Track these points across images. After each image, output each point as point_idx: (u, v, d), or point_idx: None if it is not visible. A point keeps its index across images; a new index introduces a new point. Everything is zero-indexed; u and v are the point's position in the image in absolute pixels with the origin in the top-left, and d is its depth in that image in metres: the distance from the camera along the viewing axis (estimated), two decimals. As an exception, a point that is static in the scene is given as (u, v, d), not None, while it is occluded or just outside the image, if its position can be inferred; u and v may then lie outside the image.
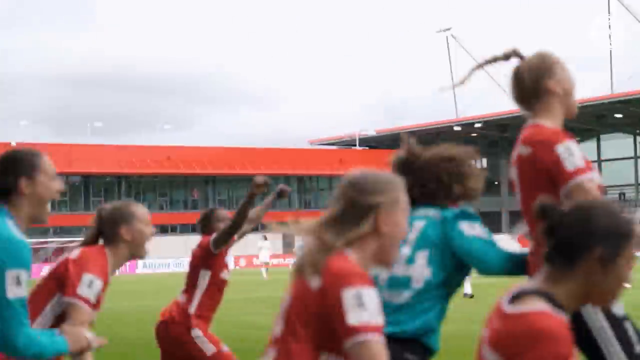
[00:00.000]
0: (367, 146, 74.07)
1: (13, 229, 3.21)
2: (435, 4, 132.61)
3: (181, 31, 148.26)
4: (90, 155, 61.73)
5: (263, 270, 36.89)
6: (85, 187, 63.83)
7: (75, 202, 64.57)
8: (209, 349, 5.87)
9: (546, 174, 3.24)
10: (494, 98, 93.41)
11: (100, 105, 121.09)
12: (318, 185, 72.37)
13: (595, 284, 2.14)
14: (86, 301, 3.93)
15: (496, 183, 71.11)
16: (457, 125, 67.24)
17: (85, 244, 4.16)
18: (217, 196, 70.29)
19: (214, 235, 5.93)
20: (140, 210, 4.25)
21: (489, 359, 2.11)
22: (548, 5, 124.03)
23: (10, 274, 3.12)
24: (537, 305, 2.06)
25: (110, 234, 4.14)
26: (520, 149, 3.31)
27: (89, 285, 3.93)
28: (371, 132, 71.78)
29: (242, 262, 54.29)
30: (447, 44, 74.45)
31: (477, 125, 66.97)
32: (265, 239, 39.77)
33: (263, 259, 38.14)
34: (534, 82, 3.42)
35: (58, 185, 3.41)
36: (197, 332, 5.86)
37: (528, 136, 3.31)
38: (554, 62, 3.46)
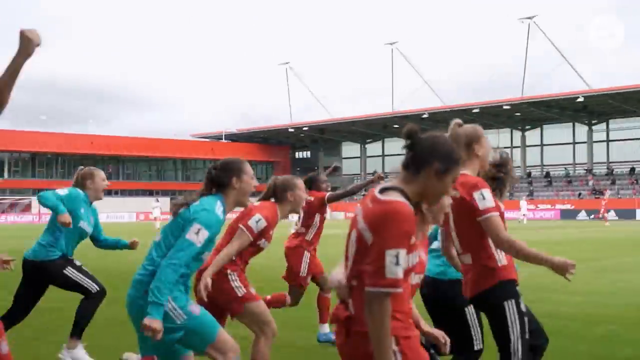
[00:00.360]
0: (230, 140, 77.48)
1: (218, 207, 3.67)
2: (275, 40, 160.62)
3: (100, 53, 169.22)
4: (36, 139, 65.30)
5: (157, 223, 39.21)
6: (32, 161, 67.18)
7: (26, 171, 67.90)
8: (304, 271, 6.73)
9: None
10: (317, 110, 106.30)
11: (45, 105, 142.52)
12: (196, 166, 75.23)
13: (429, 188, 2.58)
14: (249, 229, 4.53)
15: (316, 168, 70.74)
16: (292, 127, 72.74)
17: (262, 200, 4.90)
18: (125, 170, 72.92)
19: (330, 194, 6.95)
20: (300, 182, 4.91)
21: (362, 227, 2.49)
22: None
23: (196, 226, 3.51)
24: (397, 197, 2.47)
25: (280, 196, 4.83)
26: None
27: (257, 221, 4.53)
28: (233, 130, 76.39)
29: (142, 217, 59.13)
30: (287, 75, 80.00)
31: (305, 128, 72.41)
32: (157, 201, 42.34)
33: (155, 214, 41.15)
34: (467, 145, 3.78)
35: (255, 182, 3.84)
36: (307, 256, 6.79)
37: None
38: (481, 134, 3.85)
